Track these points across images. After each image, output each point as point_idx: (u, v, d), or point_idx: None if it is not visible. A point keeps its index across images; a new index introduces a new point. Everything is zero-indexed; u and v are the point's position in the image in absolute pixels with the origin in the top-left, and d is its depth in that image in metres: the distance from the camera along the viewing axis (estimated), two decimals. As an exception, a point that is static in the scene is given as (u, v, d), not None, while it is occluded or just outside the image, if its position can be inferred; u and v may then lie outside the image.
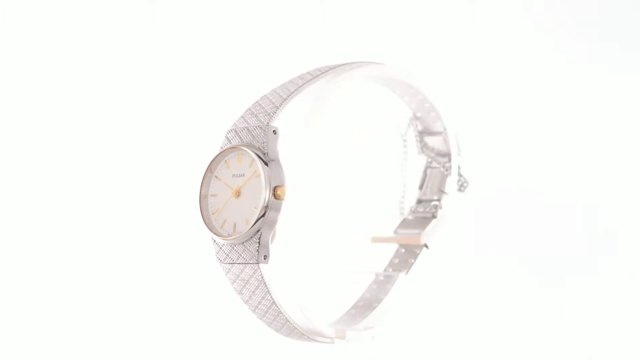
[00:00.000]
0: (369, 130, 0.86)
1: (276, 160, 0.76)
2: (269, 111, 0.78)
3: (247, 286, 0.77)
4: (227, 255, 0.77)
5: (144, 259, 0.80)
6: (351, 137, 0.86)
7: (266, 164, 0.75)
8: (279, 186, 0.75)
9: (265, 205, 0.75)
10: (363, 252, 0.87)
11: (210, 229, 0.77)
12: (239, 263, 0.76)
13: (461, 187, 0.95)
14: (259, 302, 0.77)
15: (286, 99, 0.79)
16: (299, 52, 0.89)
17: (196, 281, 0.82)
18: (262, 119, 0.78)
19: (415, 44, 0.99)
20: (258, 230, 0.75)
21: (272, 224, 0.75)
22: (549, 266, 1.03)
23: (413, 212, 0.95)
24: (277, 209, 0.75)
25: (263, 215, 0.75)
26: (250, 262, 0.76)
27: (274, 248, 0.77)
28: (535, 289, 1.01)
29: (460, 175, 0.94)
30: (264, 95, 0.80)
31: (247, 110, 0.80)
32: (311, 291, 0.84)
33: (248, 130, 0.78)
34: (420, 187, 0.96)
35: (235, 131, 0.78)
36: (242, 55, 0.86)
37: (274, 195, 0.75)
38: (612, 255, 1.05)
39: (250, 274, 0.76)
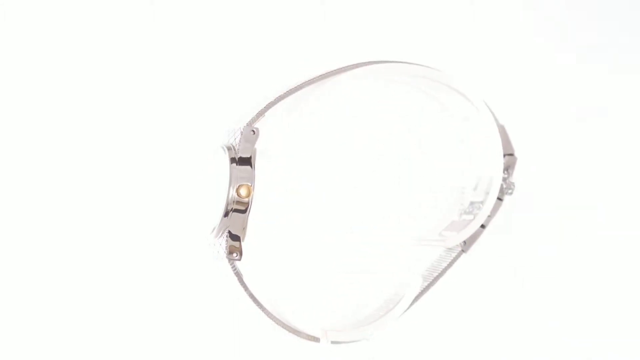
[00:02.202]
0: (371, 130, 0.83)
1: (248, 160, 0.77)
2: (256, 112, 0.80)
3: (228, 280, 0.79)
4: (212, 250, 0.80)
5: (147, 255, 0.84)
6: (352, 137, 0.83)
7: (235, 163, 0.77)
8: (242, 185, 0.76)
9: (228, 203, 0.76)
10: (365, 254, 0.84)
11: (203, 227, 0.81)
12: (219, 259, 0.79)
13: (507, 190, 0.87)
14: (243, 296, 0.79)
15: (276, 99, 0.80)
16: (314, 53, 0.88)
17: (194, 277, 0.85)
18: (247, 119, 0.79)
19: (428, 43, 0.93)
20: (226, 228, 0.77)
21: (239, 221, 0.77)
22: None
23: (462, 213, 0.89)
24: (243, 207, 0.77)
25: (227, 214, 0.77)
26: (224, 257, 0.78)
27: (249, 245, 0.79)
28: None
29: (505, 177, 0.87)
30: (266, 96, 0.82)
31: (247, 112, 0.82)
32: (308, 291, 0.83)
33: (234, 131, 0.80)
34: (475, 189, 0.90)
35: (228, 132, 0.81)
36: (255, 57, 0.87)
37: (237, 193, 0.76)
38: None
39: (227, 268, 0.78)
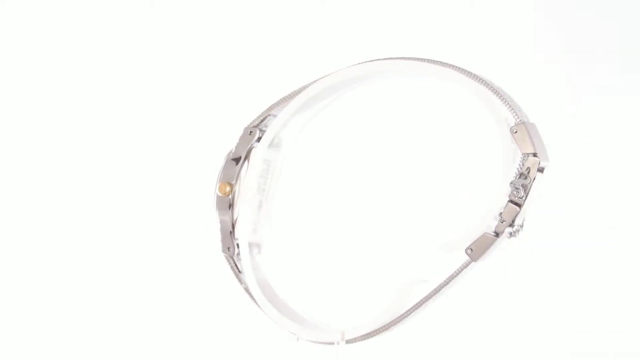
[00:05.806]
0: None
1: (238, 159, 0.82)
2: (260, 113, 0.84)
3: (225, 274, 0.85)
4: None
5: (150, 248, 0.89)
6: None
7: (226, 162, 0.82)
8: (223, 183, 0.82)
9: (215, 199, 0.82)
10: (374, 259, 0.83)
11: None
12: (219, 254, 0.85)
13: (515, 193, 0.80)
14: (237, 290, 0.84)
15: (279, 101, 0.85)
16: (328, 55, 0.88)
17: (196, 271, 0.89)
18: (249, 121, 0.84)
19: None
20: (219, 224, 0.82)
21: (226, 217, 0.82)
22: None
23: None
24: (225, 205, 0.81)
25: (215, 210, 0.82)
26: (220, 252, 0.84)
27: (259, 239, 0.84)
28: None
29: (515, 178, 0.81)
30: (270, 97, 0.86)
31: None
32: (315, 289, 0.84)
33: (242, 133, 0.85)
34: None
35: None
36: (259, 58, 0.90)
37: (219, 191, 0.81)
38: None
39: (224, 262, 0.84)
